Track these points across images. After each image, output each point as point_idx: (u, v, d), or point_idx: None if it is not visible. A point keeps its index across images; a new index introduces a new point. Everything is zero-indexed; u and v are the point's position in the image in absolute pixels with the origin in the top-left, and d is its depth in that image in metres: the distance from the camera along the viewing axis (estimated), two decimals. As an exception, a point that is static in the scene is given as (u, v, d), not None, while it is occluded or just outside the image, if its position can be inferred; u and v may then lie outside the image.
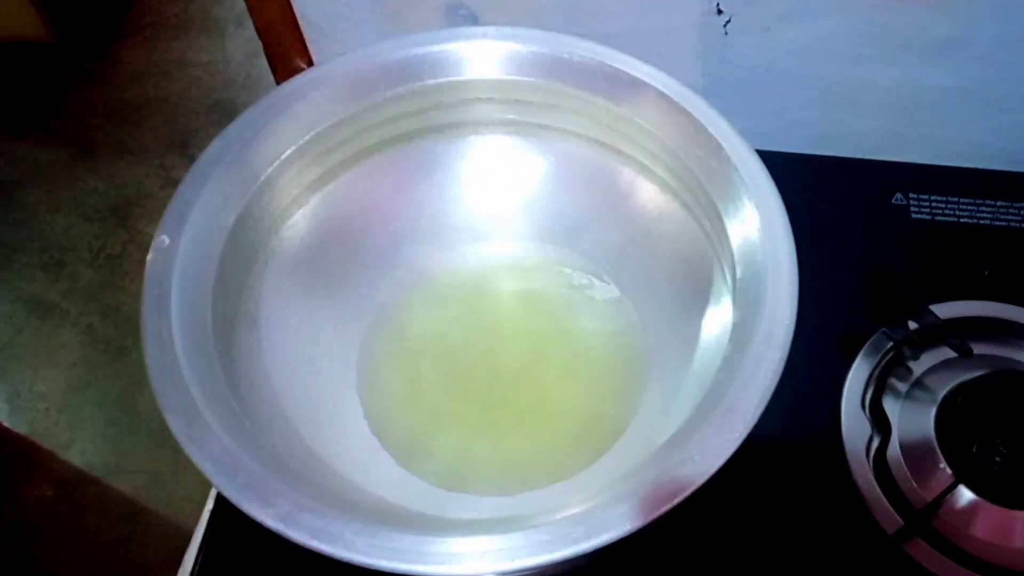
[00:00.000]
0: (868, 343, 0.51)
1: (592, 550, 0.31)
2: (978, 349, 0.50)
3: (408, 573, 0.31)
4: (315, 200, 0.48)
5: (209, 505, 0.48)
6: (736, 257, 0.40)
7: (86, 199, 1.50)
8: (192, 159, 0.42)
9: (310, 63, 0.65)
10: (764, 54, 0.59)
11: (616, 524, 0.31)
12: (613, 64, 0.46)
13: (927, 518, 0.44)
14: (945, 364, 0.50)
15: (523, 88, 0.47)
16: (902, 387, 0.50)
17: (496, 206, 0.52)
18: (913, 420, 0.48)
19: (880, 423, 0.49)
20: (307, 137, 0.45)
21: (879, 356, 0.51)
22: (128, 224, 1.47)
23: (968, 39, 0.56)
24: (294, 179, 0.46)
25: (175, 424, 0.35)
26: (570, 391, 0.48)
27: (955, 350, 0.49)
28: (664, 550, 0.45)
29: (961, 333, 0.49)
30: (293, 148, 0.45)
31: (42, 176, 1.53)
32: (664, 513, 0.32)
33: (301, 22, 0.62)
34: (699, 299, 0.45)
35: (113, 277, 1.41)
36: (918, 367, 0.50)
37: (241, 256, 0.44)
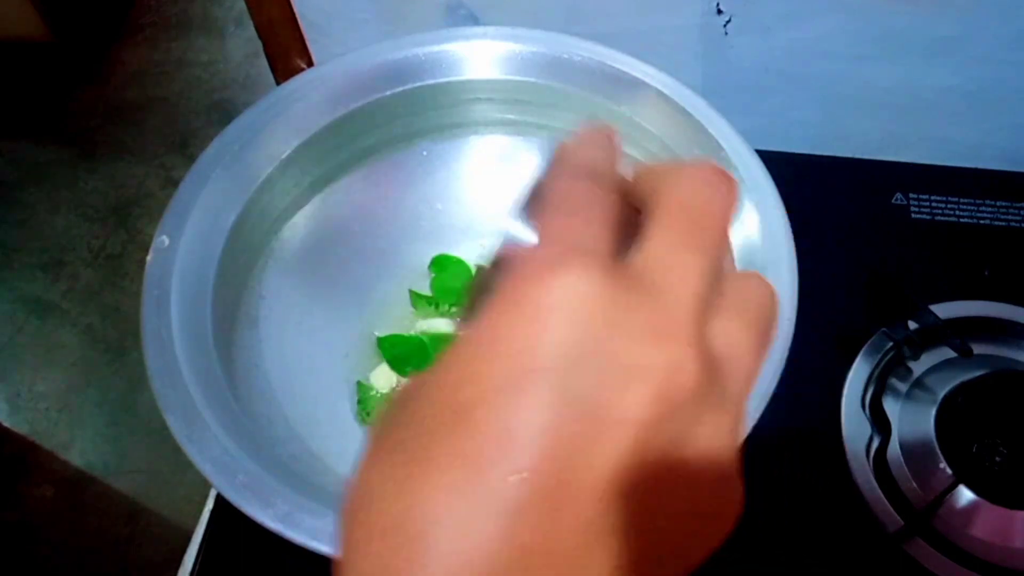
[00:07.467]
0: (868, 343, 0.51)
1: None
2: (978, 349, 0.50)
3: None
4: (315, 200, 0.48)
5: (209, 505, 0.48)
6: (736, 257, 0.40)
7: (86, 199, 1.50)
8: (192, 159, 0.42)
9: (310, 63, 0.65)
10: (764, 54, 0.59)
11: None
12: (613, 64, 0.46)
13: (927, 518, 0.44)
14: (945, 364, 0.50)
15: (523, 88, 0.47)
16: (902, 387, 0.50)
17: (496, 206, 0.52)
18: (913, 420, 0.48)
19: (880, 423, 0.49)
20: (307, 137, 0.45)
21: (879, 356, 0.51)
22: (128, 224, 1.48)
23: (968, 39, 0.56)
24: (294, 179, 0.46)
25: (175, 424, 0.35)
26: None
27: (955, 350, 0.49)
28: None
29: (961, 333, 0.49)
30: (293, 148, 0.45)
31: (42, 176, 1.53)
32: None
33: (301, 22, 0.62)
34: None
35: (113, 277, 1.42)
36: (918, 367, 0.50)
37: (241, 256, 0.44)
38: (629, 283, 0.16)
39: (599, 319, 0.15)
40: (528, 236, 0.18)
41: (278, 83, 0.55)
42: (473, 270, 0.52)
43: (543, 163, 0.20)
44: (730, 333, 0.17)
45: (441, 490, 0.15)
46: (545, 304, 0.15)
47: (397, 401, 0.17)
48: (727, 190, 0.18)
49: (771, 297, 0.18)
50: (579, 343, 0.15)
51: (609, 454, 0.15)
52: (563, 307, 0.15)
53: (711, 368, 0.16)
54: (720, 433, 0.16)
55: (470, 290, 0.20)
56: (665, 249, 0.17)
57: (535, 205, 0.18)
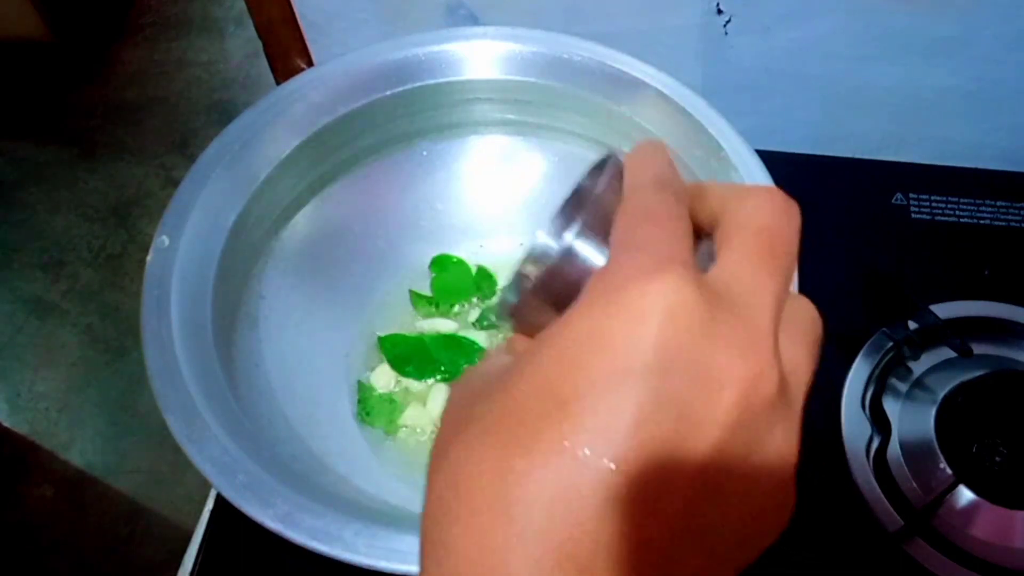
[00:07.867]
0: (868, 343, 0.51)
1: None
2: (978, 349, 0.50)
3: (407, 574, 0.31)
4: (315, 200, 0.48)
5: (209, 505, 0.48)
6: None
7: (86, 199, 1.50)
8: (192, 159, 0.42)
9: (310, 63, 0.65)
10: (764, 54, 0.59)
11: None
12: (613, 64, 0.46)
13: (927, 518, 0.44)
14: (945, 364, 0.50)
15: (523, 88, 0.48)
16: (902, 387, 0.50)
17: (496, 206, 0.52)
18: (913, 420, 0.48)
19: (880, 423, 0.49)
20: (307, 137, 0.45)
21: (879, 356, 0.51)
22: (128, 224, 1.48)
23: (968, 39, 0.56)
24: (294, 179, 0.46)
25: (175, 424, 0.35)
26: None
27: (955, 350, 0.49)
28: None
29: (961, 333, 0.49)
30: (293, 148, 0.45)
31: (42, 176, 1.53)
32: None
33: (301, 22, 0.62)
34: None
35: (113, 277, 1.42)
36: (918, 367, 0.50)
37: (241, 256, 0.44)
38: (716, 295, 0.17)
39: (692, 326, 0.16)
40: (563, 245, 0.19)
41: (278, 83, 0.55)
42: (473, 270, 0.52)
43: (585, 173, 0.21)
44: (792, 350, 0.18)
45: (539, 473, 0.16)
46: (643, 308, 0.16)
47: (480, 386, 0.18)
48: (796, 216, 0.20)
49: (819, 320, 0.20)
50: (673, 347, 0.16)
51: (695, 454, 0.16)
52: (660, 312, 0.16)
53: (783, 381, 0.17)
54: (787, 441, 0.17)
55: (509, 292, 0.21)
56: (745, 268, 0.18)
57: (585, 214, 0.19)
